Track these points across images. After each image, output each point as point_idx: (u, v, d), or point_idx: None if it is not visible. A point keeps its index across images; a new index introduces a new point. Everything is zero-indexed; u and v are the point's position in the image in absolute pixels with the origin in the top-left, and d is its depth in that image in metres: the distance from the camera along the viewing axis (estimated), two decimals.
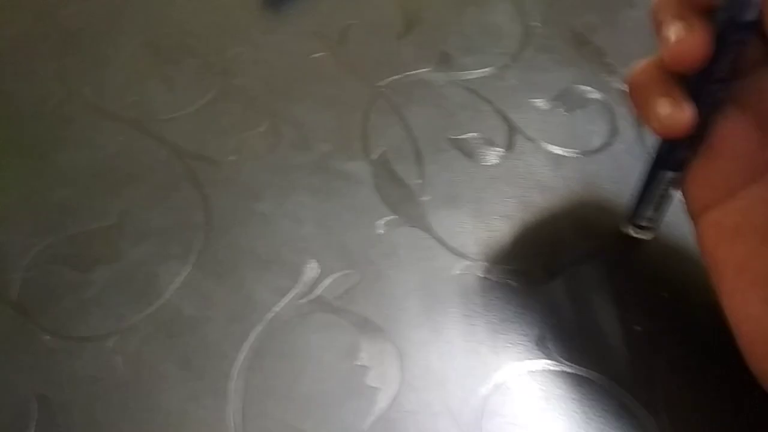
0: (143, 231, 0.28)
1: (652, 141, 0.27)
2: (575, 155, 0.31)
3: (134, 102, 0.31)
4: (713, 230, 0.25)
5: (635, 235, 0.28)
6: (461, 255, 0.28)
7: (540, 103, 0.33)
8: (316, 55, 0.34)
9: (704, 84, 0.24)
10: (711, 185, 0.25)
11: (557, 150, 0.31)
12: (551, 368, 0.26)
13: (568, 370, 0.26)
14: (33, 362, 0.25)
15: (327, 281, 0.27)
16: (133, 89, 0.32)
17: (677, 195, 0.26)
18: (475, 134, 0.32)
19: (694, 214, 0.25)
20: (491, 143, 0.32)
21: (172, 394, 0.24)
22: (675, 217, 0.27)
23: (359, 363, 0.25)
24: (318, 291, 0.27)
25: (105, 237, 0.27)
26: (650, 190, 0.27)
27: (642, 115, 0.25)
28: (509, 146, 0.32)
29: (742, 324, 0.23)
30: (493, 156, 0.31)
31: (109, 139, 0.30)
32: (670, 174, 0.26)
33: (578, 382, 0.25)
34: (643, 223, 0.28)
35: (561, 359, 0.26)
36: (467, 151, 0.31)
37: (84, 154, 0.30)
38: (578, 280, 0.28)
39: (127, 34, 0.34)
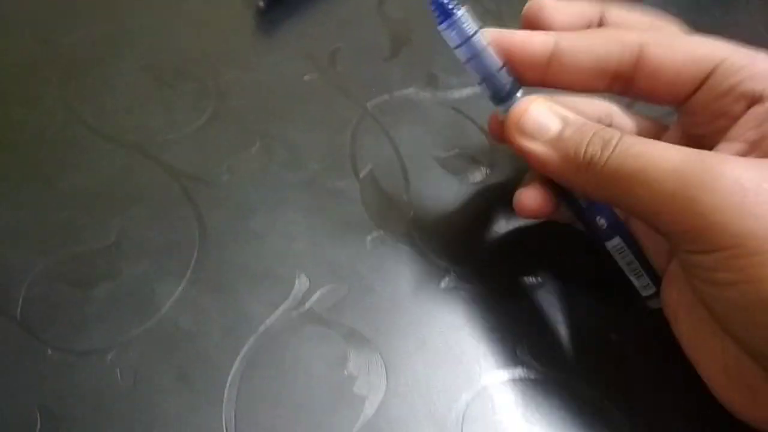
0: (141, 249, 0.29)
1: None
2: None
3: (133, 126, 0.33)
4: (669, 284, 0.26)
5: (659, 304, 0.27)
6: (445, 269, 0.29)
7: None
8: (307, 77, 0.35)
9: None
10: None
11: None
12: (530, 376, 0.27)
13: (546, 376, 0.27)
14: (36, 375, 0.26)
15: (317, 294, 0.29)
16: (133, 113, 0.33)
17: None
18: (459, 152, 0.33)
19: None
20: (475, 161, 0.33)
21: (170, 404, 0.26)
22: None
23: (347, 372, 0.27)
24: (308, 304, 0.28)
25: (105, 255, 0.29)
26: (624, 264, 0.27)
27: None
28: (492, 164, 0.33)
29: (700, 359, 0.25)
30: (477, 174, 0.33)
31: (109, 162, 0.31)
32: (615, 240, 0.27)
33: (555, 388, 0.27)
34: (648, 292, 0.27)
35: (539, 367, 0.27)
36: (452, 169, 0.33)
37: (85, 176, 0.31)
38: (558, 291, 0.29)
39: (126, 60, 0.35)
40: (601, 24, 0.28)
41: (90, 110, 0.33)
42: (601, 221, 0.27)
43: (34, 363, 0.26)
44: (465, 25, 0.26)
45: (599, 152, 0.24)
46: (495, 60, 0.26)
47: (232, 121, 0.33)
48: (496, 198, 0.32)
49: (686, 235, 0.22)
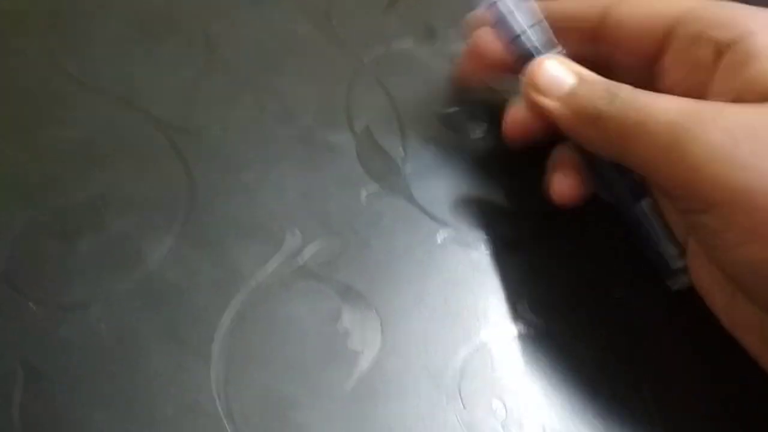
0: (127, 203, 0.28)
1: None
2: None
3: (118, 77, 0.31)
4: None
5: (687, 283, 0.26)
6: (443, 224, 0.28)
7: None
8: (301, 29, 0.34)
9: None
10: None
11: None
12: (530, 332, 0.26)
13: (546, 333, 0.26)
14: (19, 330, 0.25)
15: (310, 249, 0.28)
16: (118, 65, 0.32)
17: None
18: (459, 108, 0.32)
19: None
20: (476, 117, 0.32)
21: (156, 360, 0.25)
22: None
23: (341, 328, 0.26)
24: (301, 259, 0.27)
25: (89, 209, 0.28)
26: (647, 233, 0.26)
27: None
28: (492, 119, 0.32)
29: (742, 334, 0.24)
30: (478, 130, 0.32)
31: (93, 114, 0.30)
32: (642, 203, 0.26)
33: (556, 344, 0.26)
34: (678, 265, 0.26)
35: (540, 323, 0.26)
36: (451, 125, 0.32)
37: (69, 129, 0.30)
38: (558, 247, 0.28)
39: (111, 11, 0.34)
40: None
41: (75, 62, 0.32)
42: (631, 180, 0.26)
43: (17, 317, 0.25)
44: None
45: (606, 105, 0.23)
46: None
47: (222, 74, 0.32)
48: (496, 154, 0.31)
49: (682, 191, 0.21)
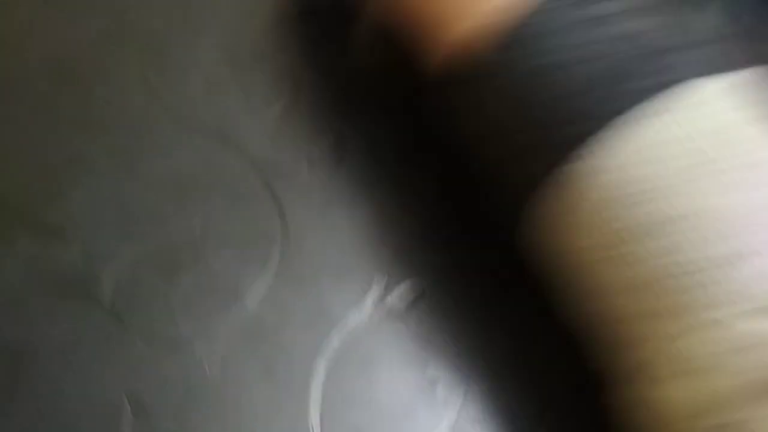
0: (225, 239, 0.29)
1: None
2: None
3: (212, 110, 0.32)
4: None
5: None
6: None
7: None
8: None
9: None
10: None
11: None
12: None
13: None
14: (126, 365, 0.27)
15: (395, 291, 0.29)
16: (211, 96, 0.33)
17: None
18: None
19: None
20: None
21: (257, 399, 0.26)
22: None
23: (429, 373, 0.27)
24: (388, 301, 0.29)
25: (189, 244, 0.29)
26: None
27: None
28: None
29: None
30: None
31: (190, 147, 0.31)
32: None
33: None
34: None
35: None
36: None
37: (167, 162, 0.31)
38: None
39: (204, 40, 0.34)
40: None
41: (169, 92, 0.33)
42: None
43: (123, 352, 0.27)
44: None
45: None
46: None
47: (307, 111, 0.33)
48: None
49: None
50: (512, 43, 0.23)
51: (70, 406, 0.26)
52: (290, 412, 0.26)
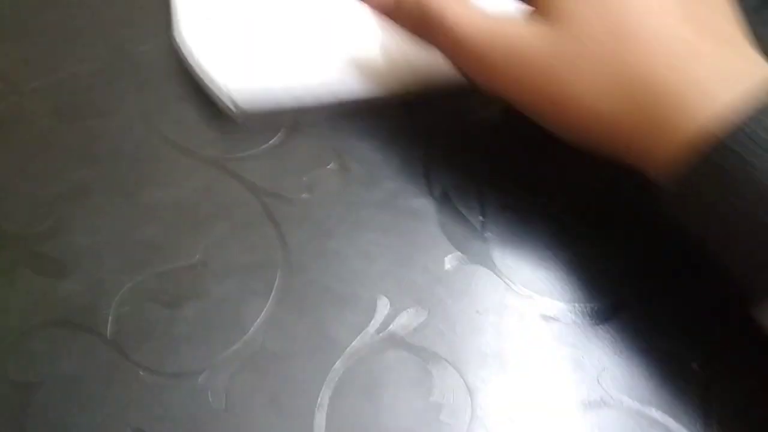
0: (226, 268, 0.29)
1: None
2: None
3: (211, 139, 0.33)
4: None
5: None
6: (526, 295, 0.30)
7: None
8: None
9: None
10: None
11: None
12: (610, 403, 0.27)
13: (627, 405, 0.27)
14: (129, 397, 0.27)
15: (398, 318, 0.29)
16: (210, 126, 0.33)
17: None
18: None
19: None
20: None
21: (263, 428, 0.26)
22: None
23: (433, 399, 0.27)
24: (390, 327, 0.29)
25: (191, 274, 0.29)
26: None
27: None
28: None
29: None
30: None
31: (189, 177, 0.32)
32: None
33: (637, 419, 0.27)
34: None
35: (621, 396, 0.27)
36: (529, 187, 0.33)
37: (166, 192, 0.31)
38: (640, 317, 0.29)
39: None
40: None
41: (167, 122, 0.33)
42: None
43: (126, 384, 0.27)
44: None
45: None
46: None
47: (307, 137, 0.33)
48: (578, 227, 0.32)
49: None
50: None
51: None
52: None
